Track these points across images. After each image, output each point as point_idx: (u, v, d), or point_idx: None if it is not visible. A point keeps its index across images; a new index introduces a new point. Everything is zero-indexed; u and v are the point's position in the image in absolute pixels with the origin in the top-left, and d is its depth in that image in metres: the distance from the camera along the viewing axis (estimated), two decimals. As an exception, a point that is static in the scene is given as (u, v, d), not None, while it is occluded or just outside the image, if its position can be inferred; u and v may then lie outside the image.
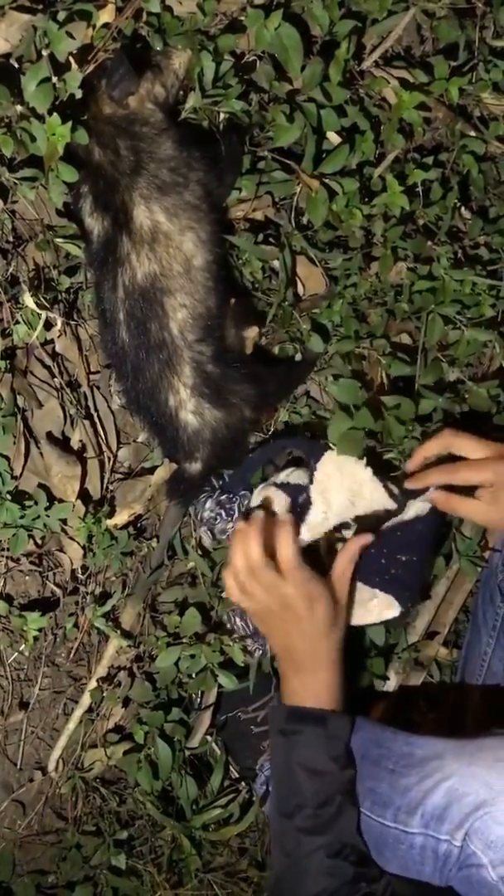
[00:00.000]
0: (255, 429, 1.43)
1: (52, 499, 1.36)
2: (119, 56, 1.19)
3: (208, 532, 1.43)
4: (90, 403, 1.41)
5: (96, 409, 1.42)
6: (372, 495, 1.32)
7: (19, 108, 1.15)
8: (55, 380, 1.37)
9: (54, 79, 1.14)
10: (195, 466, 1.36)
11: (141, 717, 1.47)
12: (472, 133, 1.45)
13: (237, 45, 1.30)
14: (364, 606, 1.35)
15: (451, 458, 1.33)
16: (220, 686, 1.42)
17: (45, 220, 1.30)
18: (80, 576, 1.43)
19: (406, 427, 1.37)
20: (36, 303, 1.26)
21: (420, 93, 1.35)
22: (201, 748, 1.51)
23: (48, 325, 1.31)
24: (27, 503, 1.34)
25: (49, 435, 1.38)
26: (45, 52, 1.15)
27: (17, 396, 1.33)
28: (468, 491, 1.31)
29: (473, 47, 1.43)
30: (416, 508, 1.35)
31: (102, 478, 1.42)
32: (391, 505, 1.34)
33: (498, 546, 1.51)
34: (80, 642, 1.46)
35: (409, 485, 1.34)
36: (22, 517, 1.33)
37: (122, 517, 1.43)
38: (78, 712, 1.46)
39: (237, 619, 1.42)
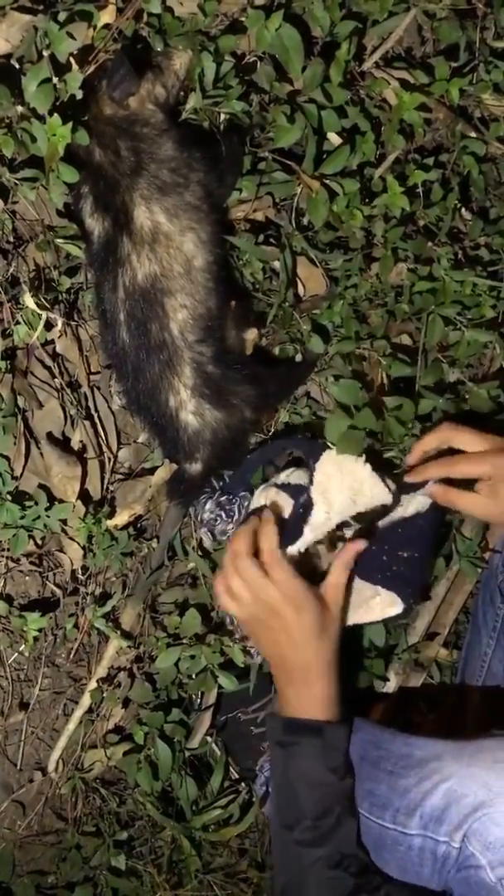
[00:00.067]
0: (255, 429, 1.43)
1: (52, 499, 1.36)
2: (120, 57, 1.19)
3: (208, 533, 1.43)
4: (90, 404, 1.41)
5: (97, 410, 1.42)
6: (372, 491, 1.31)
7: (20, 108, 1.16)
8: (55, 380, 1.37)
9: (55, 79, 1.14)
10: (195, 467, 1.36)
11: (141, 718, 1.47)
12: (473, 134, 1.45)
13: (238, 46, 1.30)
14: (366, 604, 1.34)
15: (450, 452, 1.33)
16: (220, 687, 1.42)
17: (45, 221, 1.30)
18: (80, 576, 1.43)
19: (406, 426, 1.37)
20: (36, 303, 1.26)
21: (421, 94, 1.35)
22: (201, 749, 1.51)
23: (49, 326, 1.31)
24: (27, 503, 1.34)
25: (49, 435, 1.38)
26: (45, 53, 1.15)
27: (18, 397, 1.33)
28: (467, 485, 1.30)
29: (474, 48, 1.43)
30: (416, 504, 1.35)
31: (103, 478, 1.42)
32: (392, 500, 1.34)
33: (498, 547, 1.51)
34: (80, 643, 1.46)
35: (408, 478, 1.33)
36: (22, 517, 1.33)
37: (122, 518, 1.43)
38: (78, 713, 1.46)
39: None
